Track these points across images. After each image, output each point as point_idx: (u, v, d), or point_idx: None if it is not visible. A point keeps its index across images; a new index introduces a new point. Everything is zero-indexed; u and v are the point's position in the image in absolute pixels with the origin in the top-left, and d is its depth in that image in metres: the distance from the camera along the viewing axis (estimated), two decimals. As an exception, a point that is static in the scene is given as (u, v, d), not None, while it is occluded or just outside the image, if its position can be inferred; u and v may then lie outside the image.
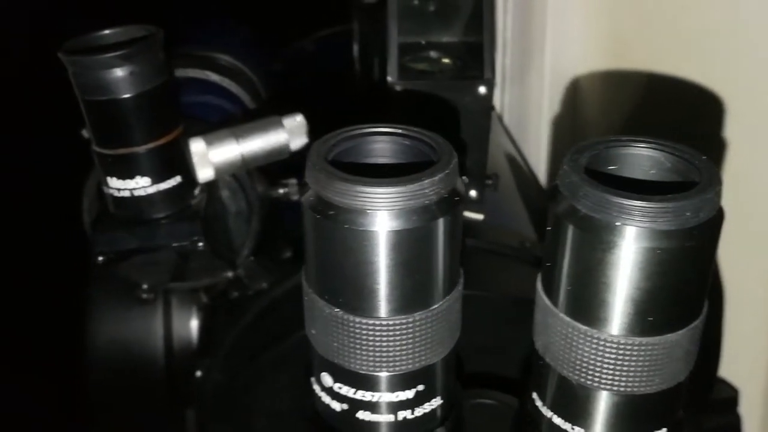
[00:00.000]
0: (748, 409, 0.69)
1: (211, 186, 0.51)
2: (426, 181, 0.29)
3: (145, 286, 0.55)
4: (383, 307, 0.31)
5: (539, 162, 0.91)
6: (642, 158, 0.32)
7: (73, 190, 0.57)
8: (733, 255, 0.66)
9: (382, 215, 0.29)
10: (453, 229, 0.31)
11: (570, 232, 0.30)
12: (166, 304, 0.65)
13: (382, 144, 0.33)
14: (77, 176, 0.57)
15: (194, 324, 0.67)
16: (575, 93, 0.86)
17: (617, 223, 0.28)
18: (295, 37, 0.95)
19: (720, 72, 0.67)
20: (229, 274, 0.55)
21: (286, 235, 0.61)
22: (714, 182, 0.29)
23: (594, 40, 0.82)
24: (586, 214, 0.29)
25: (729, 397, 0.68)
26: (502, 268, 0.57)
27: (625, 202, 0.28)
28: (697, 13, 0.68)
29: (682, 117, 0.72)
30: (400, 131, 0.32)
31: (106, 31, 0.46)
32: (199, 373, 0.64)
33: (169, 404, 0.66)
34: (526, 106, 0.92)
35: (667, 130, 0.72)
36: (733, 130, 0.66)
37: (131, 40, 0.46)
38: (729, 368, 0.68)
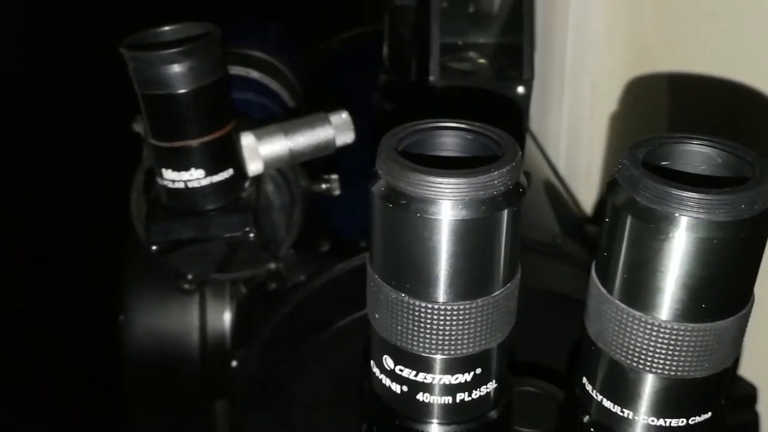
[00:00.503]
0: (766, 407, 0.70)
1: (257, 180, 0.53)
2: (495, 173, 0.31)
3: (189, 277, 0.57)
4: (447, 293, 0.32)
5: (560, 165, 0.93)
6: (694, 154, 0.34)
7: (116, 183, 0.59)
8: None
9: (450, 204, 0.31)
10: (516, 220, 0.32)
11: (629, 222, 0.31)
12: (201, 295, 0.66)
13: (447, 138, 0.34)
14: (121, 169, 0.59)
15: (227, 316, 0.68)
16: (596, 98, 0.88)
17: (675, 214, 0.30)
18: (325, 37, 0.97)
19: (744, 74, 0.68)
20: (272, 266, 0.57)
21: (326, 229, 0.62)
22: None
23: (616, 44, 0.84)
24: (645, 205, 0.31)
25: (747, 394, 0.69)
26: (536, 264, 0.58)
27: (683, 194, 0.30)
28: (721, 16, 0.70)
29: (704, 119, 0.73)
30: (465, 126, 0.34)
31: (165, 28, 0.48)
32: (234, 363, 0.66)
33: (204, 395, 0.68)
34: (548, 108, 0.93)
35: (684, 122, 0.74)
36: (758, 131, 0.67)
37: (188, 37, 0.47)
38: (747, 365, 0.69)
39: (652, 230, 0.31)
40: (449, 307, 0.33)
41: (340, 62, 0.93)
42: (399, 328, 0.34)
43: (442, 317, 0.33)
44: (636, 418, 0.35)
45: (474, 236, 0.31)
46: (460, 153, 0.34)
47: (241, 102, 0.61)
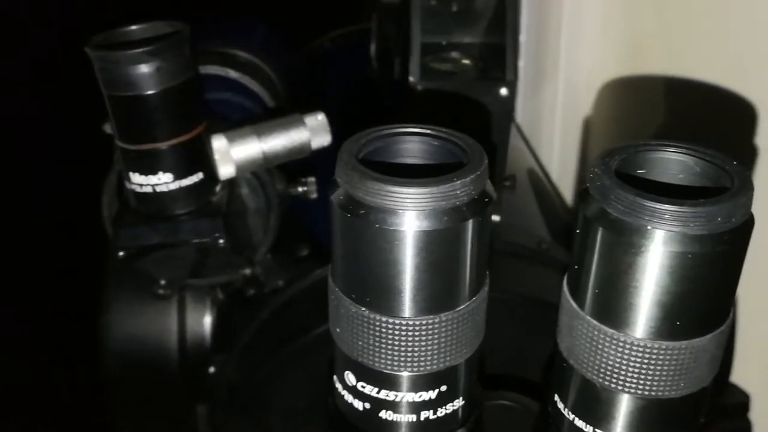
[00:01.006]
0: (758, 415, 0.69)
1: (231, 183, 0.52)
2: (458, 182, 0.29)
3: (162, 282, 0.55)
4: (410, 307, 0.31)
5: (553, 165, 0.91)
6: (672, 162, 0.32)
7: (92, 186, 0.58)
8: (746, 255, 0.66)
9: (412, 215, 0.29)
10: (482, 231, 0.31)
11: (600, 235, 0.30)
12: (180, 300, 0.65)
13: (411, 144, 0.33)
14: (96, 172, 0.57)
15: (208, 321, 0.67)
16: (590, 97, 0.86)
17: (648, 227, 0.28)
18: (313, 36, 0.96)
19: (739, 76, 0.66)
20: (248, 271, 0.55)
21: (304, 233, 0.61)
22: (746, 187, 0.29)
23: (610, 44, 0.82)
24: (616, 217, 0.29)
25: (740, 402, 0.67)
26: (519, 270, 0.57)
27: (656, 206, 0.28)
28: (716, 17, 0.68)
29: (698, 122, 0.72)
30: (430, 132, 0.32)
31: (133, 27, 0.46)
32: (212, 369, 0.64)
33: (183, 399, 0.67)
34: (541, 109, 0.92)
35: (683, 135, 0.73)
36: (753, 134, 0.66)
37: (157, 36, 0.46)
38: (740, 373, 0.68)
39: (624, 243, 0.29)
40: (412, 323, 0.31)
41: (329, 61, 0.91)
42: (360, 343, 0.32)
43: (404, 333, 0.31)
44: (609, 438, 0.33)
45: (437, 248, 0.30)
46: (425, 160, 0.33)
47: (218, 102, 0.60)
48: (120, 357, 0.66)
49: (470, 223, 0.30)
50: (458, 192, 0.29)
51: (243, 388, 0.59)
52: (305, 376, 0.55)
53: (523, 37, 0.95)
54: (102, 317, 0.64)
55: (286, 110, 0.53)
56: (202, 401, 0.66)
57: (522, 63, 0.96)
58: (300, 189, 0.56)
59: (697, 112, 0.71)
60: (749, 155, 0.65)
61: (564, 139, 0.89)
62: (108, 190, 0.54)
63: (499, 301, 0.54)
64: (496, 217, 0.58)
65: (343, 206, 0.30)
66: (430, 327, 0.31)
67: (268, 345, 0.58)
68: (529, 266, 0.56)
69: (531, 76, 0.94)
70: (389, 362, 0.32)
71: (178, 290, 0.60)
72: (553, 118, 0.90)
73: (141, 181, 0.46)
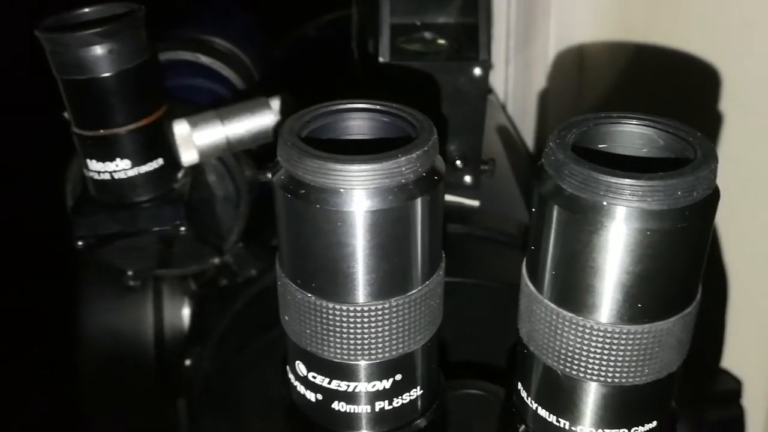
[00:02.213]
0: (751, 401, 0.67)
1: (196, 170, 0.50)
2: (402, 159, 0.27)
3: (130, 273, 0.54)
4: (358, 292, 0.29)
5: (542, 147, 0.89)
6: (634, 135, 0.30)
7: (59, 175, 0.56)
8: (737, 241, 0.64)
9: (356, 194, 0.28)
10: (433, 210, 0.29)
11: (555, 212, 0.28)
12: (156, 292, 0.64)
13: (359, 121, 0.31)
14: (61, 160, 0.56)
15: (185, 312, 0.65)
16: (580, 76, 0.84)
17: (604, 203, 0.27)
18: (297, 22, 0.94)
19: (729, 47, 0.64)
20: (216, 260, 0.54)
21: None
22: (709, 159, 0.27)
23: (600, 17, 0.80)
24: (571, 193, 0.27)
25: (732, 389, 0.66)
26: (498, 255, 0.55)
27: (612, 180, 0.26)
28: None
29: (690, 92, 0.70)
30: (378, 107, 0.31)
31: (86, 9, 0.45)
32: (188, 362, 0.63)
33: (160, 392, 0.65)
34: (530, 91, 0.90)
35: (673, 105, 0.70)
36: (740, 107, 0.64)
37: (112, 17, 0.44)
38: (733, 359, 0.66)
39: (580, 221, 0.27)
40: (360, 309, 0.30)
41: (311, 48, 0.90)
42: (308, 331, 0.31)
43: (352, 320, 0.30)
44: (573, 428, 0.31)
45: (383, 229, 0.28)
46: (373, 136, 0.31)
47: (188, 88, 0.58)
48: (95, 352, 0.64)
49: (419, 202, 0.28)
50: (404, 169, 0.28)
51: (217, 380, 0.57)
52: (277, 367, 0.53)
53: (512, 18, 0.93)
54: (76, 311, 0.63)
55: (253, 94, 0.52)
56: (179, 394, 0.65)
57: (512, 42, 0.94)
58: (270, 175, 0.54)
59: (686, 81, 0.69)
60: (730, 128, 0.64)
61: (553, 120, 0.87)
62: (71, 178, 0.52)
63: (476, 286, 0.52)
64: (474, 202, 0.57)
65: (284, 187, 0.29)
66: (380, 313, 0.30)
67: (242, 336, 0.57)
68: (509, 252, 0.55)
69: (520, 55, 0.92)
70: (339, 351, 0.31)
71: (150, 281, 0.58)
72: (546, 98, 0.88)
73: (99, 168, 0.45)
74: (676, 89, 0.72)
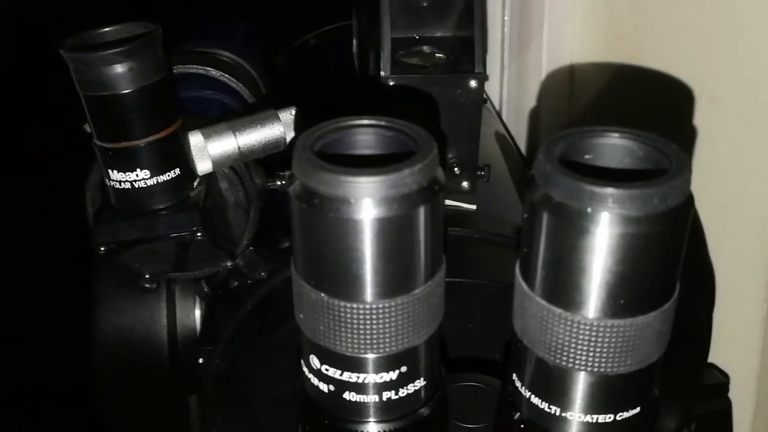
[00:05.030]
0: (738, 395, 0.70)
1: (210, 178, 0.53)
2: (406, 171, 0.30)
3: (147, 276, 0.57)
4: (367, 292, 0.32)
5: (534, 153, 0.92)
6: (616, 148, 0.33)
7: (76, 183, 0.59)
8: (724, 240, 0.67)
9: (364, 204, 0.30)
10: (434, 217, 0.32)
11: (545, 218, 0.31)
12: (169, 293, 0.66)
13: (365, 136, 0.34)
14: (80, 169, 0.59)
15: (197, 313, 0.68)
16: (572, 86, 0.87)
17: (589, 210, 0.30)
18: (298, 33, 0.97)
19: (715, 64, 0.67)
20: (228, 263, 0.57)
21: (284, 225, 0.62)
22: (683, 170, 0.30)
23: (591, 33, 0.83)
24: (559, 201, 0.30)
25: (719, 382, 0.69)
26: (494, 256, 0.58)
27: (596, 189, 0.29)
28: (694, 5, 0.69)
29: (676, 108, 0.73)
30: (382, 123, 0.34)
31: (107, 29, 0.48)
32: (201, 361, 0.66)
33: (173, 391, 0.68)
34: (524, 99, 0.93)
35: (662, 121, 0.74)
36: (728, 122, 0.67)
37: (131, 36, 0.47)
38: (720, 354, 0.69)
39: (567, 226, 0.30)
40: (368, 307, 0.32)
41: (313, 58, 0.93)
42: (321, 327, 0.34)
43: (361, 316, 0.33)
44: (564, 414, 0.34)
45: (389, 235, 0.31)
46: (379, 151, 0.34)
47: (198, 99, 0.61)
48: (110, 352, 0.67)
49: (421, 210, 0.31)
50: (407, 180, 0.31)
51: (228, 377, 0.60)
52: (287, 364, 0.56)
53: (506, 28, 0.96)
54: (91, 313, 0.66)
55: (263, 106, 0.55)
56: (192, 393, 0.68)
57: (506, 53, 0.97)
58: (278, 182, 0.57)
59: (673, 98, 0.72)
60: (713, 141, 0.67)
61: (546, 127, 0.90)
62: (91, 187, 0.55)
63: (474, 286, 0.55)
64: (471, 206, 0.60)
65: (299, 197, 0.32)
66: (387, 310, 0.33)
67: (252, 335, 0.60)
68: (504, 253, 0.58)
69: (514, 65, 0.95)
70: (350, 345, 0.33)
71: (164, 283, 0.61)
72: (538, 108, 0.91)
73: (119, 178, 0.48)
74: (658, 100, 0.75)
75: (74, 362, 0.72)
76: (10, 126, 1.33)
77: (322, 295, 0.33)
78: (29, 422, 1.09)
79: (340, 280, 0.32)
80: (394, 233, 0.31)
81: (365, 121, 0.33)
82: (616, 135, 0.33)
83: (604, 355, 0.32)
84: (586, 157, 0.34)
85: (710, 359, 0.70)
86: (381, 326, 0.33)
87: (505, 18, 0.95)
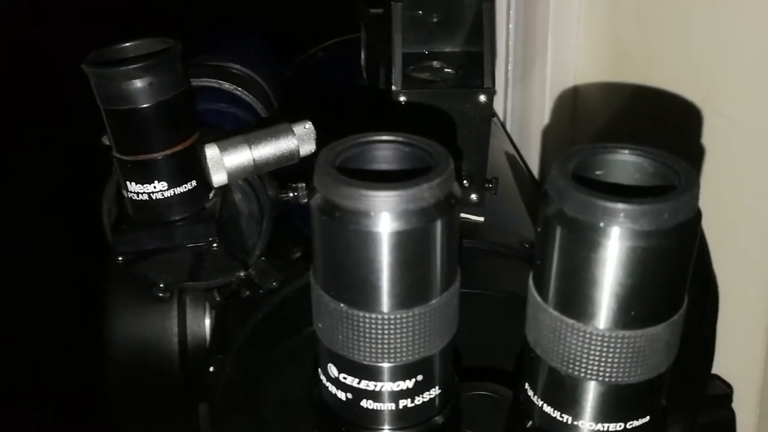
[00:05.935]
0: (742, 406, 0.71)
1: (225, 190, 0.54)
2: (425, 186, 0.32)
3: (161, 285, 0.58)
4: (385, 302, 0.33)
5: (540, 166, 0.93)
6: (627, 164, 0.34)
7: (92, 193, 0.60)
8: (727, 252, 0.68)
9: (383, 217, 0.31)
10: (450, 230, 0.33)
11: (558, 232, 0.32)
12: (180, 302, 0.67)
13: (384, 151, 0.35)
14: (96, 180, 0.60)
15: (207, 322, 0.69)
16: (576, 100, 0.89)
17: (601, 224, 0.31)
18: (307, 46, 0.98)
19: (719, 80, 0.69)
20: (241, 273, 0.58)
21: (296, 236, 0.63)
22: (691, 186, 0.31)
23: (594, 49, 0.85)
24: (572, 216, 0.31)
25: (723, 393, 0.69)
26: (501, 267, 0.59)
27: (608, 205, 0.30)
28: (698, 23, 0.70)
29: (680, 124, 0.74)
30: (401, 139, 0.35)
31: (127, 44, 0.49)
32: (212, 369, 0.67)
33: (184, 399, 0.69)
34: (528, 112, 0.94)
35: (665, 137, 0.75)
36: (731, 137, 0.68)
37: (151, 52, 0.48)
38: (723, 365, 0.70)
39: (580, 240, 0.31)
40: (386, 317, 0.33)
41: (321, 70, 0.94)
42: (340, 337, 0.35)
43: (379, 326, 0.34)
44: (575, 423, 0.35)
45: (407, 247, 0.32)
46: (397, 166, 0.35)
47: (212, 112, 0.62)
48: (122, 360, 0.68)
49: (438, 223, 0.32)
50: (425, 195, 0.32)
51: (239, 385, 0.61)
52: (298, 371, 0.57)
53: (510, 43, 0.98)
54: (104, 321, 0.67)
55: (276, 119, 0.56)
56: (202, 400, 0.69)
57: (510, 66, 0.99)
58: (291, 194, 0.58)
59: (677, 114, 0.74)
60: (716, 157, 0.68)
61: (551, 141, 0.91)
62: (107, 198, 0.56)
63: (482, 297, 0.56)
64: (479, 218, 0.61)
65: (321, 210, 0.33)
66: (404, 320, 0.34)
67: (263, 344, 0.61)
68: (511, 264, 0.59)
69: (519, 79, 0.96)
70: (367, 354, 0.34)
71: (177, 292, 0.62)
72: (541, 120, 0.92)
73: (138, 190, 0.49)
74: (661, 116, 0.76)
75: (74, 362, 0.73)
76: (10, 126, 1.34)
77: (341, 305, 0.34)
78: (29, 422, 1.10)
79: (359, 290, 0.33)
80: (412, 246, 0.32)
81: (384, 137, 0.35)
82: (627, 152, 0.34)
83: (615, 365, 0.33)
84: (598, 173, 0.35)
85: (714, 370, 0.71)
86: (398, 336, 0.34)
87: (510, 34, 0.97)
